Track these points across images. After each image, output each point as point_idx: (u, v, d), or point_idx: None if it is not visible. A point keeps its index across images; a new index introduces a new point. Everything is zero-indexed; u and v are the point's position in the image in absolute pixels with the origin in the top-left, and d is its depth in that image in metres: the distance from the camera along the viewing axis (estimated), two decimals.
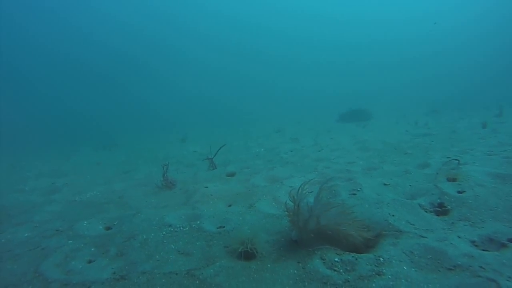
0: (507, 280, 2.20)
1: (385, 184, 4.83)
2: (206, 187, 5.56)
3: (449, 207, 3.81)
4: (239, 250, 2.95)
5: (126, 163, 10.24)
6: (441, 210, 3.81)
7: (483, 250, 2.80)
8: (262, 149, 10.48)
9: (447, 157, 5.75)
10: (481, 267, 2.42)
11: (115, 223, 4.22)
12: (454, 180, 4.59)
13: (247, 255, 2.97)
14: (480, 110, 14.63)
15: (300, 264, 2.79)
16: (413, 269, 2.59)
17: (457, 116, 14.89)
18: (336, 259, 2.81)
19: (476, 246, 2.92)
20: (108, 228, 4.14)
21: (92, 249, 3.47)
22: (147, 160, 10.38)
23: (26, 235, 4.03)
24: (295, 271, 2.70)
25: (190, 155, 10.91)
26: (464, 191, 4.16)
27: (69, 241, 3.69)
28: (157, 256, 3.14)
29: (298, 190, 3.14)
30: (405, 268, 2.61)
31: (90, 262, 3.22)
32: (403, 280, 2.42)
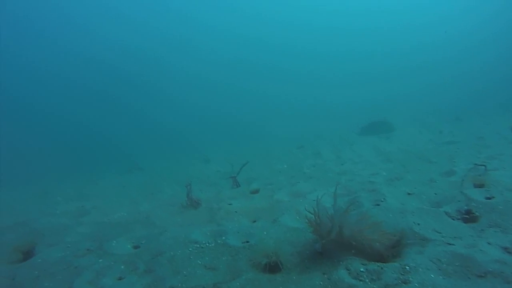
0: None
1: (409, 194, 4.77)
2: (230, 204, 5.64)
3: (477, 213, 3.73)
4: (264, 263, 2.98)
5: (150, 185, 10.47)
6: (469, 217, 3.72)
7: None
8: (285, 166, 10.51)
9: (474, 164, 5.61)
10: None
11: (143, 241, 4.32)
12: (481, 186, 4.49)
13: (272, 268, 3.00)
14: (505, 113, 14.18)
15: (325, 275, 2.79)
16: (440, 277, 2.55)
17: (481, 121, 14.49)
18: (362, 269, 2.80)
19: (509, 252, 2.84)
20: (136, 247, 4.25)
21: (122, 266, 3.57)
22: (171, 182, 10.58)
23: (59, 255, 4.18)
24: (321, 282, 2.70)
25: (213, 174, 11.06)
26: (493, 197, 4.07)
27: (100, 260, 3.81)
28: (184, 272, 3.21)
29: (317, 201, 3.18)
30: (432, 276, 2.57)
31: (120, 279, 3.32)
32: (430, 287, 2.39)
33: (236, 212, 5.18)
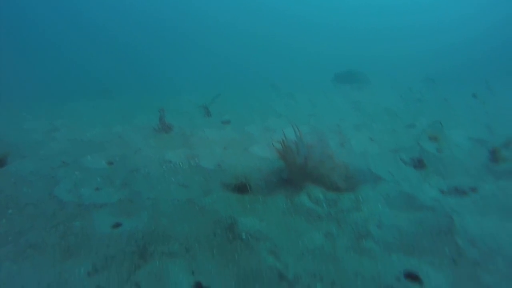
0: (461, 215, 2.58)
1: (371, 139, 5.17)
2: (203, 131, 5.85)
3: (426, 162, 4.17)
4: (234, 184, 3.29)
5: (123, 110, 10.39)
6: (419, 164, 4.17)
7: (449, 196, 3.18)
8: (257, 102, 10.70)
9: (433, 121, 6.07)
10: (442, 207, 2.80)
11: (117, 159, 4.50)
12: (435, 140, 4.94)
13: (241, 189, 3.31)
14: (475, 82, 14.82)
15: (288, 199, 3.14)
16: (387, 208, 2.96)
17: (451, 86, 15.10)
18: (321, 196, 3.17)
19: (444, 194, 3.29)
20: (110, 163, 4.41)
21: (98, 179, 3.77)
22: (144, 108, 10.53)
23: (34, 166, 4.29)
24: (284, 205, 3.05)
25: (186, 104, 11.07)
26: (443, 150, 4.53)
27: (76, 172, 3.98)
28: (159, 187, 3.46)
29: (283, 132, 3.47)
30: (380, 206, 2.98)
31: (97, 189, 3.53)
32: (377, 215, 2.79)
33: (208, 138, 5.41)
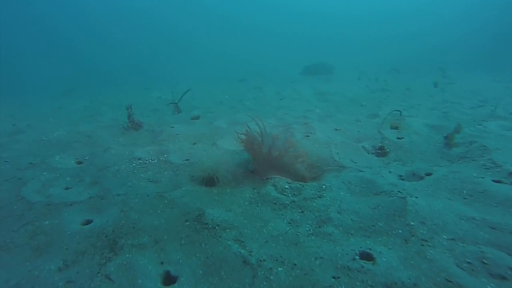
0: (415, 198, 2.79)
1: (336, 129, 5.39)
2: (172, 127, 5.88)
3: (388, 150, 4.41)
4: (202, 177, 3.39)
5: (90, 109, 10.20)
6: (381, 152, 4.40)
7: (406, 181, 3.41)
8: (226, 96, 10.78)
9: (394, 110, 6.36)
10: (399, 191, 3.01)
11: (86, 158, 4.49)
12: (396, 128, 5.20)
13: (209, 182, 3.42)
14: (436, 71, 15.43)
15: (255, 190, 3.27)
16: (348, 194, 3.14)
17: (414, 75, 15.66)
18: (286, 186, 3.32)
19: (402, 179, 3.52)
20: (79, 163, 4.40)
21: (68, 178, 3.77)
22: (112, 106, 10.38)
23: None
24: (251, 195, 3.18)
25: (155, 101, 11.00)
26: (403, 138, 4.79)
27: (44, 173, 3.95)
28: (129, 183, 3.51)
29: (247, 124, 3.59)
30: (342, 193, 3.16)
31: (67, 188, 3.54)
32: (338, 201, 2.97)
33: (177, 134, 5.45)
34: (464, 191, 2.91)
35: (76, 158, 4.53)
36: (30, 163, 4.34)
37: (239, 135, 3.64)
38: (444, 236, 2.29)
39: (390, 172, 3.69)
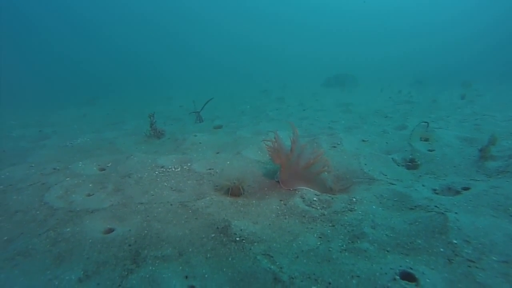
0: (455, 214, 2.59)
1: (363, 141, 5.20)
2: (195, 136, 5.81)
3: (419, 162, 4.21)
4: (228, 187, 3.27)
5: (113, 117, 10.33)
6: (411, 164, 4.20)
7: (442, 195, 3.20)
8: (248, 107, 10.72)
9: (422, 121, 6.14)
10: (436, 206, 2.81)
11: (109, 164, 4.45)
12: (426, 140, 4.98)
13: (234, 193, 3.29)
14: (462, 84, 15.06)
15: (282, 202, 3.13)
16: (380, 208, 2.96)
17: (439, 88, 15.32)
18: (315, 199, 3.17)
19: (437, 193, 3.31)
20: (102, 169, 4.36)
21: (90, 185, 3.72)
22: (134, 114, 10.48)
23: (23, 173, 4.22)
24: (278, 207, 3.04)
25: (177, 110, 11.06)
26: (434, 150, 4.56)
27: (67, 178, 3.92)
28: (152, 192, 3.43)
29: (276, 132, 3.47)
30: (374, 207, 2.97)
31: (89, 195, 3.48)
32: (371, 215, 2.79)
33: (200, 143, 5.38)
34: (510, 208, 2.69)
35: (99, 165, 4.49)
36: (54, 169, 4.32)
37: (265, 142, 3.51)
38: (494, 258, 2.08)
39: (423, 185, 3.49)
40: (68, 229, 2.68)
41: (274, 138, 3.48)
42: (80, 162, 4.49)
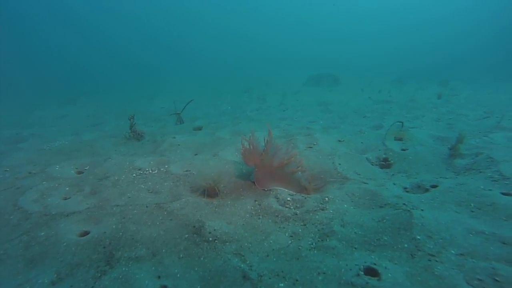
0: (420, 211, 2.71)
1: (339, 141, 5.32)
2: (174, 138, 5.83)
3: (392, 161, 4.35)
4: (203, 188, 3.32)
5: (93, 117, 10.22)
6: (385, 163, 4.33)
7: (411, 193, 3.33)
8: (229, 107, 10.76)
9: (397, 121, 6.30)
10: (404, 204, 2.93)
11: (86, 167, 4.43)
12: (400, 139, 5.13)
13: (210, 194, 3.35)
14: (440, 83, 15.42)
15: (256, 202, 3.20)
16: (352, 207, 3.06)
17: (417, 86, 15.65)
18: (288, 198, 3.25)
19: (407, 191, 3.44)
20: (80, 172, 4.35)
21: (67, 188, 3.71)
22: (115, 115, 10.40)
23: None
24: (252, 207, 3.10)
25: (158, 110, 11.01)
26: (407, 149, 4.71)
27: (43, 182, 3.89)
28: (128, 194, 3.45)
29: (251, 132, 3.55)
30: (345, 205, 3.07)
31: (65, 199, 3.48)
32: (341, 214, 2.89)
33: (179, 145, 5.41)
34: (472, 204, 2.83)
35: (77, 168, 4.47)
36: (30, 172, 4.29)
37: (243, 140, 3.57)
38: (452, 251, 2.20)
39: (394, 184, 3.62)
40: (43, 233, 2.69)
41: (249, 138, 3.54)
42: (57, 166, 4.46)
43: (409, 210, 2.71)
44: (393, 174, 4.03)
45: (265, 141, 3.47)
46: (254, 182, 3.56)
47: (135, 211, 3.00)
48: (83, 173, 4.30)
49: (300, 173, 3.52)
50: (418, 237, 2.38)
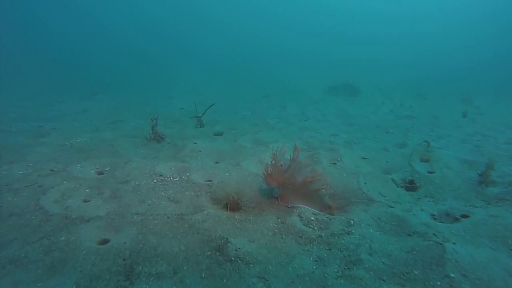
0: (453, 244, 2.57)
1: (364, 158, 5.18)
2: (195, 143, 5.79)
3: (418, 184, 4.19)
4: (225, 202, 3.25)
5: (114, 114, 10.28)
6: (410, 186, 4.18)
7: (440, 222, 3.18)
8: (250, 113, 10.69)
9: (423, 141, 6.13)
10: (434, 234, 2.79)
11: (107, 168, 4.42)
12: (426, 161, 4.97)
13: (232, 207, 3.27)
14: (464, 99, 15.06)
15: (279, 219, 3.11)
16: (378, 232, 2.94)
17: (440, 102, 15.32)
18: (312, 218, 3.15)
19: (435, 218, 3.30)
20: (100, 173, 4.34)
21: (87, 190, 3.69)
22: (135, 113, 10.43)
23: (21, 172, 4.18)
24: (275, 225, 3.01)
25: (178, 111, 11.01)
26: (434, 172, 4.55)
27: (64, 181, 3.89)
28: (149, 201, 3.40)
29: (277, 149, 3.46)
30: (371, 230, 2.96)
31: (85, 201, 3.45)
32: (368, 240, 2.77)
33: (200, 151, 5.36)
34: (510, 241, 2.68)
35: (97, 168, 4.46)
36: (52, 170, 4.29)
37: (268, 159, 3.49)
38: None
39: (422, 210, 3.48)
40: (63, 238, 2.65)
41: (276, 152, 3.45)
42: (78, 165, 4.46)
43: (441, 243, 2.58)
44: (419, 198, 3.88)
45: (291, 157, 3.39)
46: (277, 198, 3.48)
47: (156, 221, 2.95)
48: (103, 174, 4.29)
49: (324, 190, 3.42)
50: (452, 275, 2.25)
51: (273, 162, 3.41)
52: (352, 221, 3.11)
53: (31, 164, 4.54)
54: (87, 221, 2.95)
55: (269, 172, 3.40)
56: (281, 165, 3.45)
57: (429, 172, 4.54)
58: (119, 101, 13.66)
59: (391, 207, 3.51)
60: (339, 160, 4.97)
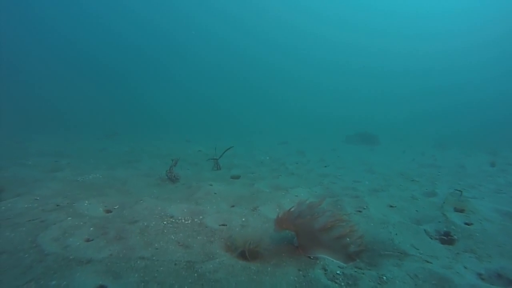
0: None
1: (391, 206, 4.77)
2: (211, 185, 5.51)
3: (455, 237, 3.74)
4: (240, 250, 2.89)
5: (130, 154, 10.21)
6: (446, 239, 3.73)
7: (491, 284, 2.73)
8: (267, 158, 10.45)
9: (455, 189, 5.69)
10: None
11: (116, 207, 4.17)
12: (461, 211, 4.52)
13: (248, 256, 2.91)
14: (485, 149, 14.56)
15: (301, 272, 2.72)
16: None
17: (462, 152, 14.83)
18: (338, 272, 2.75)
19: (483, 279, 2.84)
20: (108, 211, 4.08)
21: (91, 228, 3.41)
22: (151, 154, 10.35)
23: (26, 206, 3.97)
24: (295, 278, 2.63)
25: (195, 154, 10.88)
26: (472, 224, 4.10)
27: (69, 218, 3.63)
28: (156, 245, 3.08)
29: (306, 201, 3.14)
30: None
31: (88, 241, 3.16)
32: None
33: (215, 194, 5.06)
34: None
35: (106, 206, 4.21)
36: (57, 205, 4.07)
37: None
38: None
39: (465, 267, 3.02)
40: (54, 282, 2.33)
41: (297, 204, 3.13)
42: (86, 201, 4.23)
43: None
44: (458, 253, 3.42)
45: (308, 205, 3.07)
46: (297, 247, 3.10)
47: (161, 268, 2.60)
48: (111, 212, 4.03)
49: (348, 239, 3.05)
50: None
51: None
52: (384, 277, 2.69)
53: (38, 198, 4.36)
54: (85, 263, 2.63)
55: (279, 216, 3.07)
56: (291, 210, 3.12)
57: (466, 224, 4.09)
58: (137, 142, 13.71)
59: (428, 262, 3.07)
60: (365, 208, 4.57)
